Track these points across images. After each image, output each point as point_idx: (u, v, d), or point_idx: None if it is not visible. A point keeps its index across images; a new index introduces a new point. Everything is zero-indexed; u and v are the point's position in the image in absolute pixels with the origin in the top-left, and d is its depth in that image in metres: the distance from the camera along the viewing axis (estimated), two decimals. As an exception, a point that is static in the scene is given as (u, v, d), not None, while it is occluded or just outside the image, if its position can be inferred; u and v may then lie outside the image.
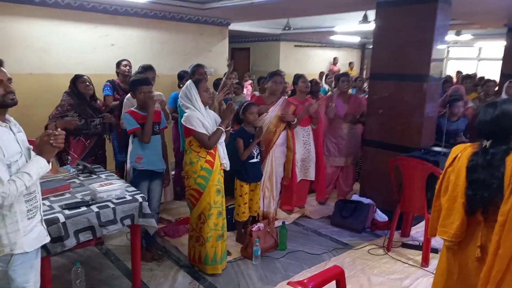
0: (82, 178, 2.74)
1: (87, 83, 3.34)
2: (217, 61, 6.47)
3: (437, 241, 3.50)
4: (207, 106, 2.84)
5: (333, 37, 9.81)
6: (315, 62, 11.27)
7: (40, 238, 1.73)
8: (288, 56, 10.37)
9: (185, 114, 2.74)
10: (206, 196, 2.75)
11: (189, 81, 2.82)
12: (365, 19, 6.27)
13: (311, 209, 4.22)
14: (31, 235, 1.65)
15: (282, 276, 2.90)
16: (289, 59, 10.34)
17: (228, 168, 2.94)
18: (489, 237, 1.66)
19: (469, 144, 1.84)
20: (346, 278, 1.97)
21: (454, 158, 1.82)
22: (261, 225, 3.24)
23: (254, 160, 3.28)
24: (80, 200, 2.33)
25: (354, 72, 11.10)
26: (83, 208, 2.21)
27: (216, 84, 4.39)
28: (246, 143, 3.19)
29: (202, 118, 2.72)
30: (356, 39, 10.74)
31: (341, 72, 6.85)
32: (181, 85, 4.21)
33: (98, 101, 3.53)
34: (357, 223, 3.73)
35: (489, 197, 1.65)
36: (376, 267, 3.08)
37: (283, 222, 3.45)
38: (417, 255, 3.22)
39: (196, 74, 3.59)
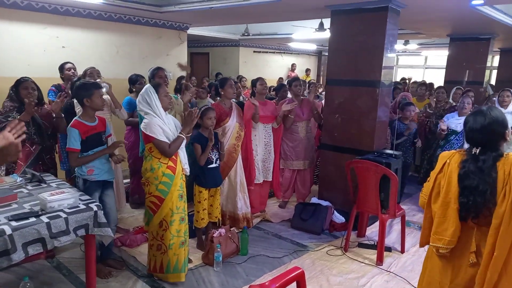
0: (30, 188, 2.57)
1: (30, 90, 3.05)
2: (176, 66, 6.36)
3: (390, 240, 3.68)
4: (167, 111, 2.80)
5: (291, 44, 10.05)
6: (274, 68, 11.46)
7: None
8: (247, 61, 10.46)
9: (144, 121, 2.66)
10: (168, 202, 2.69)
11: (148, 85, 2.73)
12: (321, 26, 6.50)
13: (271, 213, 4.27)
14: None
15: (244, 281, 2.90)
16: (249, 65, 10.43)
17: (188, 173, 2.90)
18: (483, 242, 1.69)
19: (456, 150, 1.87)
20: (306, 279, 2.01)
21: (444, 165, 1.84)
22: (222, 230, 3.22)
23: (213, 165, 3.26)
24: (29, 210, 2.18)
25: (309, 79, 11.40)
26: (32, 219, 2.07)
27: (179, 89, 4.34)
28: (203, 148, 3.17)
29: (163, 125, 2.66)
30: (313, 47, 11.08)
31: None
32: (133, 89, 4.08)
33: (46, 106, 3.32)
34: (316, 225, 3.83)
35: (482, 202, 1.67)
36: (335, 267, 3.18)
37: (245, 227, 3.45)
38: (372, 254, 3.36)
39: (156, 77, 3.50)
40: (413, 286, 2.85)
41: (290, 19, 6.68)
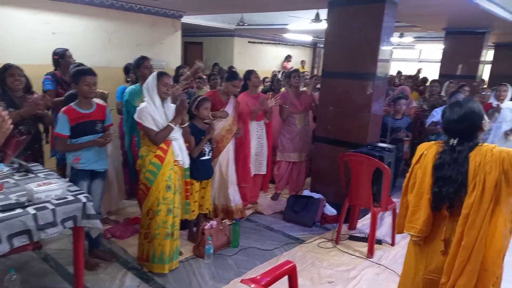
0: (17, 178, 2.51)
1: (17, 77, 2.94)
2: (170, 54, 6.28)
3: (380, 233, 3.70)
4: (167, 100, 2.76)
5: (287, 35, 9.94)
6: (268, 59, 11.37)
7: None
8: (242, 52, 10.35)
9: (138, 108, 2.68)
10: (154, 191, 2.68)
11: (155, 73, 2.73)
12: (317, 18, 6.43)
13: (263, 205, 4.26)
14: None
15: (235, 273, 2.89)
16: (243, 55, 10.33)
17: (185, 166, 2.88)
18: (453, 231, 1.73)
19: (434, 142, 1.89)
20: (297, 272, 2.00)
21: (421, 156, 1.87)
22: (213, 223, 3.20)
23: (206, 157, 3.23)
24: (15, 201, 2.13)
25: (305, 70, 11.35)
26: (18, 210, 2.02)
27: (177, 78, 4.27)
28: (197, 140, 3.13)
29: (154, 113, 2.64)
30: (309, 38, 11.00)
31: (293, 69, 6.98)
32: (128, 79, 4.01)
33: (35, 95, 3.23)
34: (308, 217, 3.83)
35: (454, 192, 1.71)
36: (326, 260, 3.18)
37: (236, 220, 3.43)
38: (363, 247, 3.37)
39: (142, 67, 3.38)
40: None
41: (287, 9, 6.58)
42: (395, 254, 3.33)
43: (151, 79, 2.69)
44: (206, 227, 3.11)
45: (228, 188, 3.67)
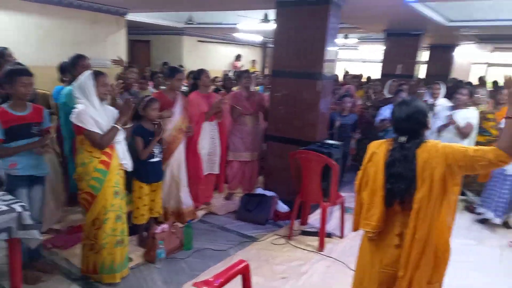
0: None
1: None
2: (114, 53, 6.00)
3: (330, 227, 3.83)
4: (104, 101, 2.61)
5: (237, 35, 9.96)
6: (219, 59, 11.31)
7: None
8: (191, 51, 10.20)
9: (75, 110, 2.47)
10: (101, 199, 2.52)
11: (88, 72, 2.54)
12: (265, 18, 6.51)
13: (217, 205, 4.23)
14: None
15: (188, 276, 2.84)
16: (193, 54, 10.18)
17: (129, 169, 2.75)
18: (406, 225, 1.79)
19: (383, 140, 1.95)
20: (251, 270, 2.00)
21: (372, 154, 1.92)
22: (165, 226, 3.12)
23: (155, 159, 3.13)
24: None
25: (256, 70, 11.46)
26: None
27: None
28: (145, 142, 3.02)
29: (96, 115, 2.48)
30: (259, 38, 11.10)
31: (244, 69, 7.01)
32: (64, 78, 3.75)
33: None
34: (261, 215, 3.86)
35: (405, 188, 1.76)
36: (279, 256, 3.23)
37: (189, 221, 3.37)
38: (315, 241, 3.47)
39: (78, 67, 3.14)
40: (351, 269, 2.98)
41: (234, 9, 6.60)
42: (344, 246, 3.47)
43: (86, 79, 2.50)
44: (157, 231, 3.02)
45: (180, 190, 3.58)
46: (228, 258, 3.13)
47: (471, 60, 12.58)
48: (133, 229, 3.21)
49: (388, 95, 5.70)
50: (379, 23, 6.91)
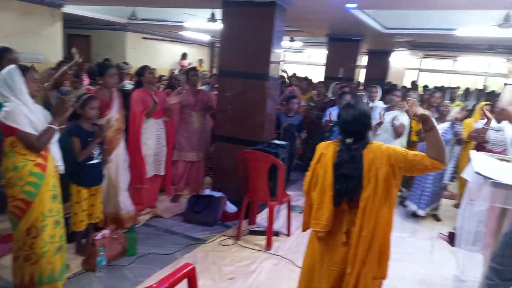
0: None
1: None
2: (48, 47, 5.59)
3: (278, 225, 3.90)
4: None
5: (184, 33, 9.76)
6: (165, 57, 11.02)
7: None
8: (135, 48, 9.81)
9: (4, 109, 2.23)
10: (38, 205, 2.31)
11: (13, 67, 2.29)
12: (212, 17, 6.46)
13: (162, 208, 4.10)
14: None
15: (132, 283, 2.71)
16: (137, 52, 9.81)
17: (62, 171, 2.55)
18: (353, 223, 1.86)
19: (331, 141, 2.00)
20: (199, 273, 1.96)
21: (320, 155, 1.97)
22: (106, 232, 2.95)
23: (94, 161, 2.95)
24: None
25: (203, 69, 11.33)
26: None
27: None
28: (83, 143, 2.84)
29: (30, 114, 2.27)
30: (207, 37, 10.98)
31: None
32: None
33: None
34: (209, 217, 3.82)
35: (353, 188, 1.83)
36: (227, 257, 3.22)
37: (133, 226, 3.23)
38: (262, 240, 3.51)
39: (4, 61, 2.86)
40: (298, 266, 3.07)
41: (180, 6, 6.47)
42: (291, 243, 3.55)
43: (13, 75, 2.26)
44: (97, 237, 2.85)
45: (119, 195, 3.38)
46: (175, 262, 3.05)
47: (405, 66, 13.59)
48: (71, 236, 3.00)
49: (332, 97, 5.95)
50: (322, 27, 7.18)
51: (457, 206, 4.54)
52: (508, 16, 4.93)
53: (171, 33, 10.58)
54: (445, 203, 4.69)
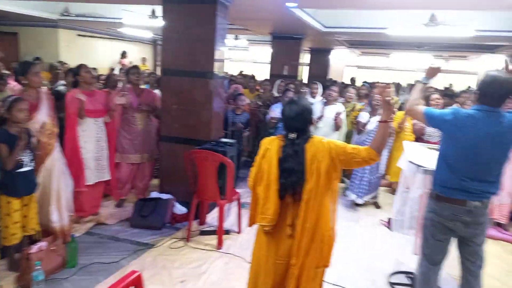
0: None
1: None
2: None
3: (228, 223, 3.89)
4: None
5: (123, 30, 9.32)
6: (104, 55, 10.46)
7: None
8: (70, 46, 9.20)
9: None
10: None
11: None
12: (153, 14, 6.26)
13: (106, 214, 3.89)
14: None
15: (74, 297, 2.55)
16: (72, 50, 9.20)
17: None
18: (297, 215, 1.90)
19: (275, 137, 2.03)
20: (147, 279, 1.91)
21: (265, 150, 1.99)
22: (42, 244, 2.73)
23: (26, 168, 2.71)
24: None
25: (147, 67, 10.95)
26: None
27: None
28: (11, 149, 2.59)
29: None
30: (149, 35, 10.59)
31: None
32: None
33: None
34: (156, 220, 3.70)
35: (297, 181, 1.88)
36: (177, 260, 3.14)
37: (72, 235, 3.02)
38: (213, 240, 3.48)
39: None
40: (249, 263, 3.07)
41: (117, 2, 6.17)
42: (242, 240, 3.56)
43: None
44: (32, 251, 2.62)
45: (50, 204, 3.05)
46: (121, 270, 2.90)
47: (344, 63, 14.26)
48: (3, 251, 2.74)
49: (276, 94, 6.05)
50: (265, 26, 7.27)
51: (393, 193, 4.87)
52: (433, 16, 5.37)
53: (110, 30, 10.06)
54: (383, 191, 5.00)
